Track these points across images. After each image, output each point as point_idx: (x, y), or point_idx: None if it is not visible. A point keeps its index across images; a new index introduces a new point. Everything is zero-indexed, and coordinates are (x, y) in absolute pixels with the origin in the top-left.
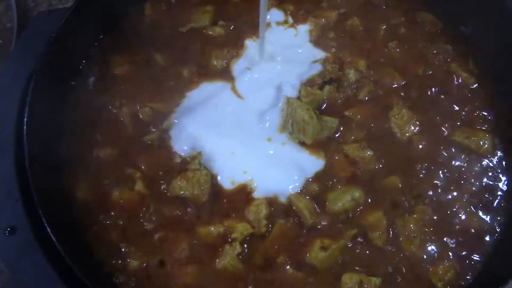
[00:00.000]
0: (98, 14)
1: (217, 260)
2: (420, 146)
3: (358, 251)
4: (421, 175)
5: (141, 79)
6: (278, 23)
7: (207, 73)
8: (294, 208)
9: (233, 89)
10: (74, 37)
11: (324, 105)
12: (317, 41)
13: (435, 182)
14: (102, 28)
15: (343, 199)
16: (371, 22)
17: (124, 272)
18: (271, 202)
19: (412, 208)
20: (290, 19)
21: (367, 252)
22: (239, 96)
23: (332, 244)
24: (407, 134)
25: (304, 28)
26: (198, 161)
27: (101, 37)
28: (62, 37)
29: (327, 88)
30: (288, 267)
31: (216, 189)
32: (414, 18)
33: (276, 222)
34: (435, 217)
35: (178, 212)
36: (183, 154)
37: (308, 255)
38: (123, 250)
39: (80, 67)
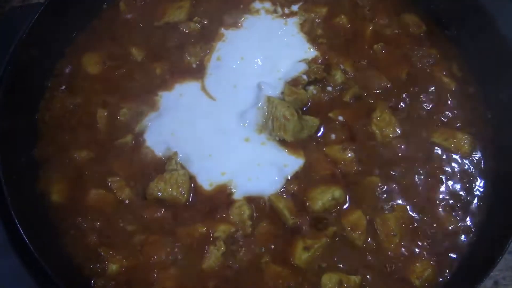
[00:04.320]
0: (72, 10)
1: (203, 261)
2: (401, 147)
3: (338, 250)
4: (400, 175)
5: (116, 78)
6: (267, 11)
7: (180, 71)
8: (274, 208)
9: (203, 89)
10: (47, 34)
11: (308, 105)
12: (305, 35)
13: (415, 181)
14: (76, 25)
15: (324, 198)
16: (358, 22)
17: (103, 276)
18: (253, 202)
19: (392, 207)
20: (279, 10)
21: (347, 250)
22: (210, 97)
23: (314, 243)
24: (389, 136)
25: (293, 20)
26: (174, 161)
27: (75, 34)
28: (34, 35)
29: (311, 88)
30: (272, 267)
31: (196, 190)
32: (399, 20)
33: (260, 223)
34: (414, 215)
35: (157, 214)
36: (160, 154)
37: (292, 256)
38: (101, 253)
39: (54, 65)
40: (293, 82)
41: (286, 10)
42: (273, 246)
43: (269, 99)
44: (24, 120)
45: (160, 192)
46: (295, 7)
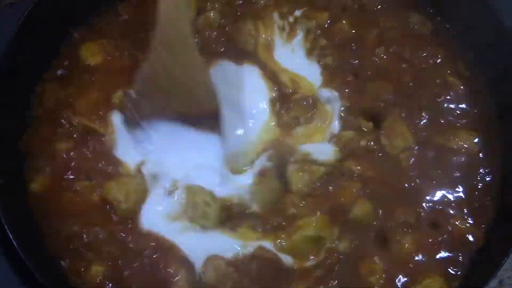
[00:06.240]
0: (65, 6)
1: None
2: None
3: None
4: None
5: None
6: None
7: None
8: None
9: None
10: (39, 33)
11: None
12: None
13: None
14: (71, 23)
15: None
16: (361, 27)
17: (86, 279)
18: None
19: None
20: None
21: None
22: None
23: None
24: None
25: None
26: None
27: (69, 32)
28: (24, 33)
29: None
30: None
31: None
32: (403, 20)
33: None
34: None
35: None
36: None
37: None
38: (83, 256)
39: (46, 64)
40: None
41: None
42: None
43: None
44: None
45: (110, 194)
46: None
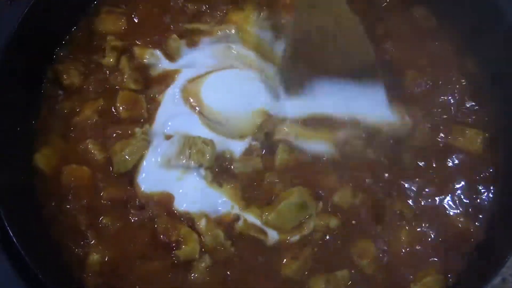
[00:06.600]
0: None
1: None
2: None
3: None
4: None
5: None
6: None
7: None
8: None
9: None
10: (41, 28)
11: None
12: None
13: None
14: (70, 22)
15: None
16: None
17: (86, 267)
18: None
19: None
20: None
21: None
22: None
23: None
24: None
25: None
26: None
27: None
28: (25, 30)
29: None
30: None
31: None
32: (409, 14)
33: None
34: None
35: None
36: None
37: (281, 268)
38: (83, 243)
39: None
40: None
41: None
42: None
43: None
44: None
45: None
46: None
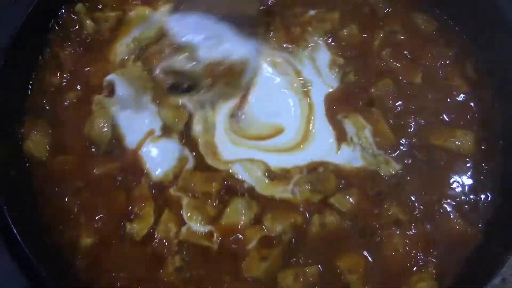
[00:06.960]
0: None
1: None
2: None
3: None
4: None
5: None
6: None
7: None
8: None
9: None
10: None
11: None
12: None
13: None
14: None
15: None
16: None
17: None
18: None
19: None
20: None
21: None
22: None
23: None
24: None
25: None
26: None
27: None
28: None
29: None
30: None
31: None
32: (410, 21)
33: None
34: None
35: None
36: None
37: (248, 270)
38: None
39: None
40: None
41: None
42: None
43: None
44: None
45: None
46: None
